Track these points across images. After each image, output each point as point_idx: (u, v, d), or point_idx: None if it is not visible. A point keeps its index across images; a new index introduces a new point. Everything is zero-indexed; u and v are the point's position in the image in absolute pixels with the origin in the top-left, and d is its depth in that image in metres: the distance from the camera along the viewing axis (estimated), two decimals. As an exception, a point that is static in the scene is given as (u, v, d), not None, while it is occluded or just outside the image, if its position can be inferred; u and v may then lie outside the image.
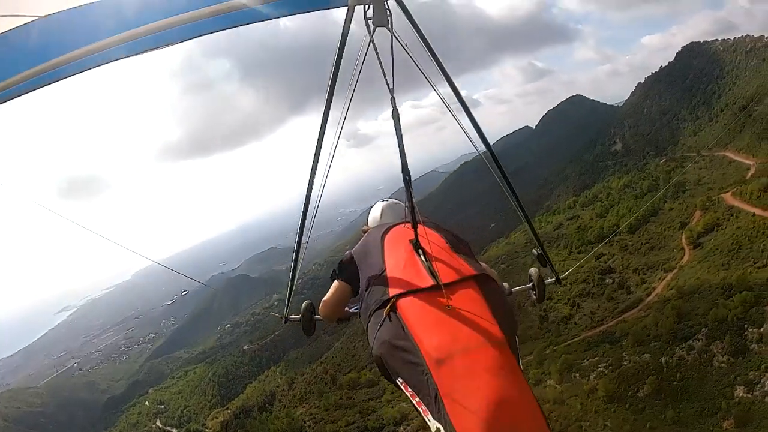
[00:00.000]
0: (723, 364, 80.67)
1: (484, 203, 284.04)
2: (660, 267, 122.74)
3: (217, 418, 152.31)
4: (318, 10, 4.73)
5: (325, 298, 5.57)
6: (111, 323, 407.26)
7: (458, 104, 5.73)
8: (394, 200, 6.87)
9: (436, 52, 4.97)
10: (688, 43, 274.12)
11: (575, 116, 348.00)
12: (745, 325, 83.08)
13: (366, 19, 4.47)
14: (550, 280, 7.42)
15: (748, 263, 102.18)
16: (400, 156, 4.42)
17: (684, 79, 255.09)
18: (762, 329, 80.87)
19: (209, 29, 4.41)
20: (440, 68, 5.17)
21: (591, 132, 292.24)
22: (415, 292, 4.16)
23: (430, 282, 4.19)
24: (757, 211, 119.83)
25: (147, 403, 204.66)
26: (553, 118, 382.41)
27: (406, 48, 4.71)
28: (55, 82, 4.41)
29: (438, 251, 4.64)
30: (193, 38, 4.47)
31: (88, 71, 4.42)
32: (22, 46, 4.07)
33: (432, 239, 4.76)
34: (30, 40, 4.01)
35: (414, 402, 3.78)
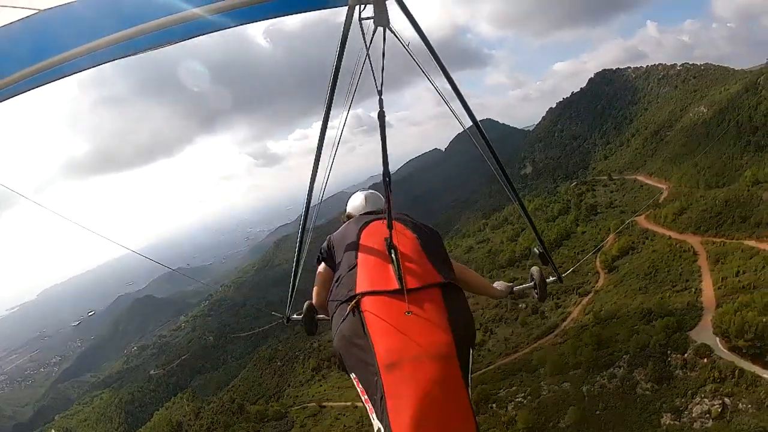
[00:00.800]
0: (647, 392, 78.28)
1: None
2: (574, 291, 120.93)
3: None
4: (317, 10, 4.52)
5: (314, 288, 5.76)
6: (16, 345, 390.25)
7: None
8: (373, 191, 6.70)
9: (436, 52, 4.83)
10: (600, 69, 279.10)
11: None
12: (668, 351, 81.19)
13: (361, 19, 4.33)
14: (551, 278, 7.46)
15: (666, 287, 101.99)
16: (383, 157, 4.33)
17: (596, 104, 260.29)
18: (686, 355, 79.39)
19: (208, 28, 4.22)
20: (441, 68, 5.01)
21: (501, 155, 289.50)
22: (380, 293, 4.22)
23: (396, 285, 4.23)
24: (673, 235, 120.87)
25: (53, 431, 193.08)
26: (462, 140, 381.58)
27: (407, 48, 4.75)
28: (56, 80, 4.28)
29: (410, 253, 4.59)
30: (190, 38, 4.34)
31: (86, 70, 4.32)
32: (19, 42, 3.99)
33: (407, 240, 4.75)
34: (29, 36, 3.95)
35: (363, 399, 3.94)
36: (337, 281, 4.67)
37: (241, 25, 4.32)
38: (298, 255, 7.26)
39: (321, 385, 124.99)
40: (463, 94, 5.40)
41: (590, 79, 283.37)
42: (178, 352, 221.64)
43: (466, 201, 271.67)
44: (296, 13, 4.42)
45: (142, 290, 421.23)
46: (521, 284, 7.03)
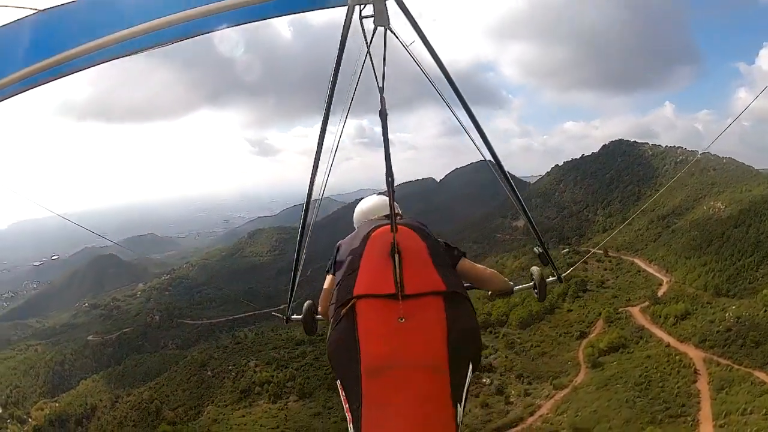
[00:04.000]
0: None
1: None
2: (549, 380, 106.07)
3: (42, 409, 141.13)
4: (317, 10, 4.77)
5: (321, 294, 5.54)
6: None
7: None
8: (386, 197, 5.77)
9: (437, 53, 4.90)
10: (610, 137, 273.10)
11: (483, 181, 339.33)
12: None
13: (362, 18, 4.42)
14: (551, 278, 7.14)
15: (658, 407, 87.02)
16: (385, 158, 4.32)
17: (604, 173, 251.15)
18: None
19: (208, 28, 4.42)
20: (441, 69, 5.10)
21: (495, 201, 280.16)
22: (375, 296, 4.14)
23: (393, 289, 4.12)
24: (672, 342, 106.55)
25: None
26: (459, 176, 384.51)
27: (407, 48, 4.86)
28: (55, 80, 4.34)
29: (416, 259, 4.45)
30: (190, 37, 4.48)
31: (88, 69, 4.41)
32: (18, 42, 4.03)
33: (414, 246, 4.62)
34: (28, 35, 4.00)
35: (344, 408, 3.87)
36: (338, 286, 4.55)
37: (240, 25, 4.46)
38: (298, 254, 6.98)
39: (243, 415, 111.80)
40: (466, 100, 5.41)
41: (604, 146, 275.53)
42: (123, 322, 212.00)
43: (449, 240, 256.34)
44: (296, 13, 4.64)
45: (108, 247, 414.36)
46: (521, 284, 6.52)
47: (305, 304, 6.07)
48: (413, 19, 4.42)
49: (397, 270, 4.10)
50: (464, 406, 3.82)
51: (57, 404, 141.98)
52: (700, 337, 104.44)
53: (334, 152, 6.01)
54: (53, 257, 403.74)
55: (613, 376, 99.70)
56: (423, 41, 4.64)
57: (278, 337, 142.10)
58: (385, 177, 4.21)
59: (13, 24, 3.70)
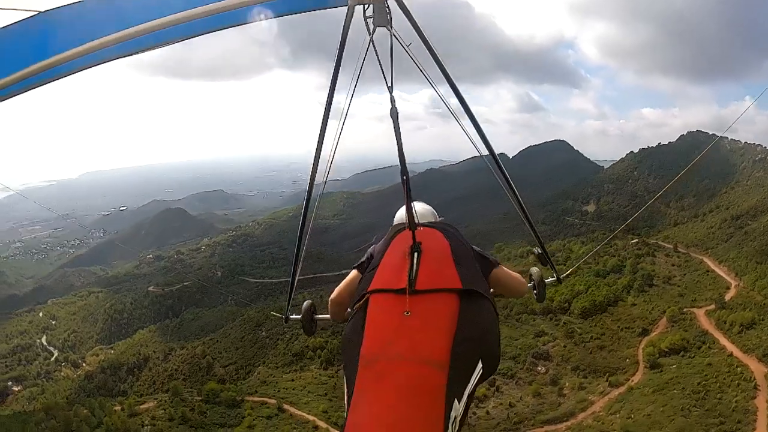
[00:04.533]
0: None
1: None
2: (605, 376, 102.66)
3: (97, 355, 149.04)
4: (318, 10, 4.74)
5: (339, 284, 5.61)
6: (42, 217, 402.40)
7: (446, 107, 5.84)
8: (423, 204, 6.23)
9: (437, 53, 4.99)
10: (688, 128, 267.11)
11: (556, 161, 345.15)
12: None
13: (365, 18, 4.56)
14: (550, 279, 7.53)
15: (712, 420, 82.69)
16: (399, 156, 4.41)
17: (680, 164, 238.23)
18: None
19: (207, 28, 4.51)
20: (441, 69, 5.19)
21: (566, 183, 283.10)
22: (387, 291, 4.17)
23: (404, 285, 4.13)
24: (735, 351, 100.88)
25: (41, 314, 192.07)
26: (532, 154, 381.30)
27: (407, 49, 4.87)
28: (55, 80, 4.32)
29: (436, 258, 4.45)
30: (190, 37, 4.54)
31: (90, 68, 4.38)
32: (21, 43, 4.02)
33: (437, 246, 4.65)
34: (29, 36, 4.01)
35: (345, 398, 3.85)
36: (359, 283, 4.66)
37: (241, 25, 4.46)
38: (297, 256, 7.11)
39: (293, 379, 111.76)
40: (475, 114, 5.64)
41: (681, 136, 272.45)
42: (185, 275, 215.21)
43: (516, 218, 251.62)
44: (296, 13, 4.58)
45: (176, 201, 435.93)
46: None
47: (304, 305, 6.42)
48: (413, 19, 4.45)
49: (414, 266, 4.10)
50: (465, 404, 3.66)
51: (112, 351, 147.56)
52: (764, 350, 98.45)
53: (334, 148, 6.07)
54: (122, 208, 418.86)
55: (672, 380, 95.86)
56: (423, 41, 4.68)
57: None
58: (399, 175, 4.31)
59: (15, 25, 3.69)
